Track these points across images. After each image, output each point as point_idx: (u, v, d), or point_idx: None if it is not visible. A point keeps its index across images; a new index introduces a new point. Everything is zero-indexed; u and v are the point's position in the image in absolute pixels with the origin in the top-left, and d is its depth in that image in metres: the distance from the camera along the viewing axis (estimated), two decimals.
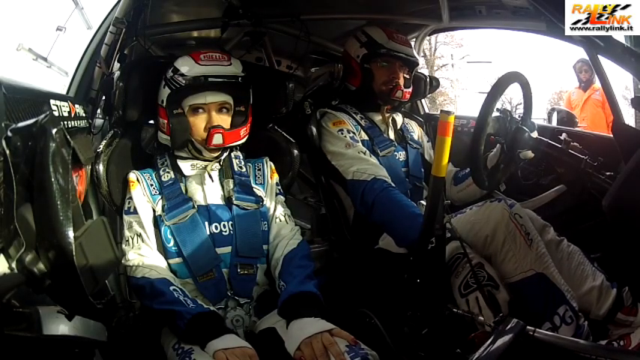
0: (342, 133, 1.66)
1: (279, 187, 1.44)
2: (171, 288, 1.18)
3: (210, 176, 1.36)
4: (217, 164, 1.38)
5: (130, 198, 1.30)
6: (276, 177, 1.44)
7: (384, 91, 1.75)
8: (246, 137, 1.40)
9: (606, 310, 1.38)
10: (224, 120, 1.34)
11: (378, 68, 1.75)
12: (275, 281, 1.31)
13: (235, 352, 1.03)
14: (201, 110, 1.32)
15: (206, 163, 1.36)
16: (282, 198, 1.42)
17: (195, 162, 1.36)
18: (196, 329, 1.09)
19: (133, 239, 1.27)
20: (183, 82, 1.29)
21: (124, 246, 1.27)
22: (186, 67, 1.31)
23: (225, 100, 1.34)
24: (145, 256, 1.25)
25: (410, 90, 1.80)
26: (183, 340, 1.12)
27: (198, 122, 1.32)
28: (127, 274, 1.25)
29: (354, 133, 1.67)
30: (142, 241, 1.26)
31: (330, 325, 1.10)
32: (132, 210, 1.29)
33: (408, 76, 1.79)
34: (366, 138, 1.71)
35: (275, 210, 1.39)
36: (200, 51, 1.34)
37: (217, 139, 1.30)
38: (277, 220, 1.38)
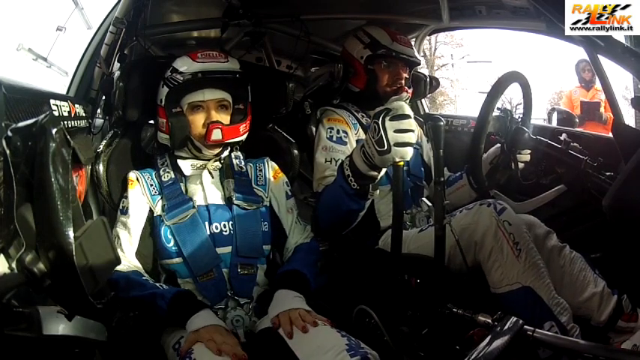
0: (330, 132, 1.64)
1: (289, 188, 1.44)
2: (144, 278, 1.22)
3: (210, 174, 1.36)
4: (218, 163, 1.38)
5: (126, 197, 1.31)
6: (282, 177, 1.44)
7: (389, 92, 1.75)
8: (245, 134, 1.40)
9: (607, 316, 1.37)
10: (223, 117, 1.34)
11: (381, 70, 1.74)
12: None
13: (220, 331, 1.08)
14: (200, 108, 1.32)
15: (206, 162, 1.36)
16: (293, 201, 1.43)
17: (195, 162, 1.36)
18: (179, 307, 1.12)
19: (114, 239, 1.27)
20: (181, 79, 1.30)
21: None
22: (184, 65, 1.31)
23: (224, 98, 1.34)
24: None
25: (411, 90, 1.81)
26: (167, 320, 1.15)
27: (197, 120, 1.32)
28: None
29: (346, 133, 1.65)
30: (121, 244, 1.27)
31: (307, 307, 1.16)
32: (124, 210, 1.30)
33: (407, 76, 1.80)
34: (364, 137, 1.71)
35: (291, 212, 1.41)
36: (198, 51, 1.35)
37: (216, 134, 1.30)
38: (293, 223, 1.40)
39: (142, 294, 1.16)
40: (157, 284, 1.20)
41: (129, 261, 1.27)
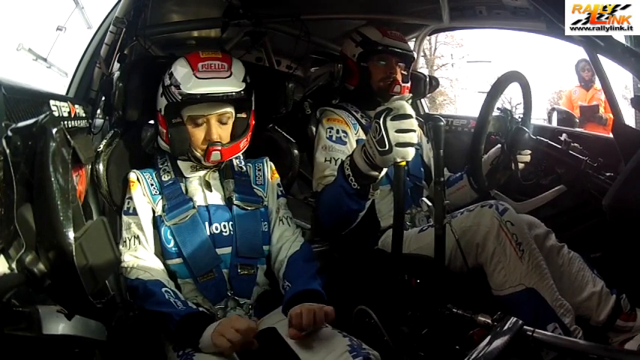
0: (329, 132, 1.64)
1: (281, 189, 1.43)
2: (164, 289, 1.17)
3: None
4: (217, 172, 1.37)
5: (130, 198, 1.30)
6: (276, 177, 1.44)
7: (382, 87, 1.74)
8: (245, 147, 1.39)
9: (606, 315, 1.37)
10: (224, 130, 1.32)
11: (374, 66, 1.75)
12: (276, 282, 1.32)
13: (232, 323, 1.05)
14: (200, 121, 1.30)
15: (205, 171, 1.36)
16: (283, 200, 1.42)
17: (195, 164, 1.36)
18: (186, 331, 1.09)
19: (130, 241, 1.26)
20: (180, 97, 1.26)
21: (120, 247, 1.27)
22: (183, 79, 1.26)
23: (226, 111, 1.31)
24: (140, 258, 1.25)
25: (408, 85, 1.80)
26: (177, 342, 1.12)
27: (198, 133, 1.30)
28: (122, 274, 1.25)
29: (345, 132, 1.65)
30: (139, 243, 1.26)
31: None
32: (131, 211, 1.29)
33: (405, 72, 1.79)
34: (364, 137, 1.71)
35: (277, 212, 1.38)
36: (199, 55, 1.30)
37: (215, 156, 1.29)
38: (280, 222, 1.37)
39: (153, 309, 1.14)
40: (172, 299, 1.16)
41: (152, 261, 1.25)
